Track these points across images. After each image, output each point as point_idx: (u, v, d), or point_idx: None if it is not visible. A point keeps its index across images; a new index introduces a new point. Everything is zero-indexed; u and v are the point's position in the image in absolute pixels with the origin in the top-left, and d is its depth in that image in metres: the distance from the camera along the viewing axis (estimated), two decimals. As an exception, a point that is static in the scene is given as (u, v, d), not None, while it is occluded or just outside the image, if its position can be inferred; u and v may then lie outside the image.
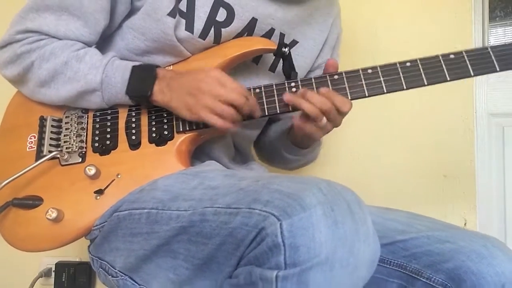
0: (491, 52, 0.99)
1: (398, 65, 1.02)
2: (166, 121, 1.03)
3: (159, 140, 1.01)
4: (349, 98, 1.01)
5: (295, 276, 0.66)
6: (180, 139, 1.02)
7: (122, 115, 1.05)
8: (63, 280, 1.78)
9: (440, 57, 1.01)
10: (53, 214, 0.95)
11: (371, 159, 1.71)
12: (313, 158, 1.31)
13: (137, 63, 1.02)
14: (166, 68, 1.08)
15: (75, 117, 1.07)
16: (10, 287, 1.87)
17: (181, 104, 0.97)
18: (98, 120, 1.06)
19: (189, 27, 1.04)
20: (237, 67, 1.11)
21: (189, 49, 1.07)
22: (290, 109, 1.03)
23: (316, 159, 1.34)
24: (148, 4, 1.01)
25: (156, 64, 1.05)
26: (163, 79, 0.98)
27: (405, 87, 1.00)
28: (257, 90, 1.04)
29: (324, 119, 1.00)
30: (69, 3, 0.99)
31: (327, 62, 1.05)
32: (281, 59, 1.11)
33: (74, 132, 1.04)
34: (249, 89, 1.04)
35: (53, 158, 1.01)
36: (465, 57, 1.00)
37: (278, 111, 1.03)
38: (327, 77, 1.03)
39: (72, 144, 1.03)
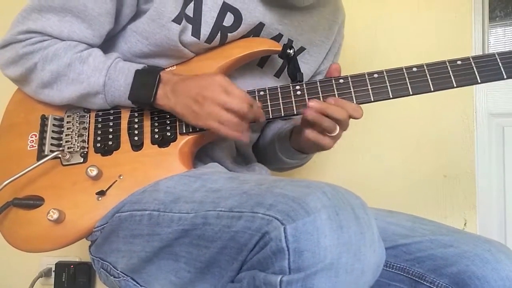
0: (498, 59, 0.98)
1: (404, 70, 1.00)
2: (169, 122, 1.02)
3: (162, 141, 1.01)
4: (355, 102, 1.00)
5: (299, 281, 0.66)
6: (183, 141, 1.01)
7: (125, 115, 1.05)
8: (63, 280, 1.78)
9: (447, 63, 0.99)
10: (54, 215, 0.95)
11: (371, 159, 1.71)
12: (309, 159, 1.31)
13: (140, 66, 1.01)
14: (170, 68, 1.07)
15: (77, 116, 1.06)
16: (10, 287, 1.87)
17: (186, 110, 0.96)
18: (100, 120, 1.05)
19: (196, 33, 1.03)
20: (241, 71, 1.11)
21: (193, 51, 1.06)
22: (295, 112, 1.02)
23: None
24: (153, 9, 1.00)
25: (159, 66, 1.05)
26: (168, 83, 0.98)
27: (411, 93, 0.99)
28: (262, 93, 1.03)
29: (338, 129, 1.00)
30: (73, 5, 0.98)
31: (331, 67, 1.04)
32: (287, 62, 1.10)
33: (76, 132, 1.04)
34: (254, 91, 1.04)
35: (54, 158, 1.01)
36: (472, 63, 0.98)
37: (283, 114, 1.02)
38: (333, 80, 1.02)
39: (73, 144, 1.03)
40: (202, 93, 0.94)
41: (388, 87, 0.99)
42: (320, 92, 1.02)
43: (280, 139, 1.22)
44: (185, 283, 0.86)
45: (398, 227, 1.00)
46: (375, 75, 1.01)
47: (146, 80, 0.98)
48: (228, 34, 1.05)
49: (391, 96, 1.00)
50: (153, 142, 1.01)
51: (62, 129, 1.05)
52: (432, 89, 0.99)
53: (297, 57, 1.09)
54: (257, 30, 1.09)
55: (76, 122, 1.05)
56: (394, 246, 0.97)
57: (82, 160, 1.02)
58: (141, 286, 0.94)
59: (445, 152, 1.65)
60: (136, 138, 1.02)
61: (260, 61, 1.14)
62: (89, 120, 1.06)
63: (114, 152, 1.02)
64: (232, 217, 0.76)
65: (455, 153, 1.64)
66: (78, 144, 1.03)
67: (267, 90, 1.04)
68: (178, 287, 0.87)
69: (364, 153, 1.72)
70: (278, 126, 1.28)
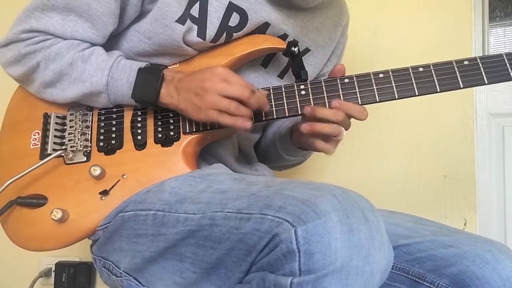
0: (506, 60, 0.97)
1: (410, 70, 0.99)
2: (172, 121, 1.02)
3: (165, 140, 1.00)
4: (360, 102, 0.99)
5: (310, 283, 0.66)
6: (187, 140, 1.01)
7: (128, 114, 1.04)
8: (63, 280, 1.78)
9: (454, 63, 0.98)
10: (58, 215, 0.95)
11: (371, 160, 1.71)
12: (309, 156, 1.31)
13: (142, 65, 1.01)
14: (173, 66, 1.07)
15: (80, 114, 1.06)
16: (10, 287, 1.86)
17: (188, 105, 0.96)
18: (103, 118, 1.05)
19: (201, 34, 1.03)
20: (244, 71, 1.11)
21: (196, 49, 1.06)
22: (299, 112, 1.01)
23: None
24: (156, 9, 1.00)
25: (162, 64, 1.05)
26: (171, 81, 0.97)
27: (417, 93, 0.98)
28: (266, 93, 1.02)
29: (344, 132, 1.00)
30: (76, 5, 0.98)
31: (335, 68, 1.03)
32: (291, 60, 1.10)
33: (79, 130, 1.03)
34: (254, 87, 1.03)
35: (57, 156, 1.01)
36: (480, 64, 0.97)
37: (287, 114, 1.02)
38: (338, 80, 1.01)
39: (76, 143, 1.02)
40: (202, 85, 0.94)
41: (394, 87, 0.99)
42: (325, 92, 1.01)
43: (281, 137, 1.22)
44: (189, 283, 0.86)
45: (399, 228, 1.00)
46: (381, 75, 1.00)
47: (149, 79, 0.98)
48: (234, 33, 1.05)
49: (396, 97, 0.99)
50: (156, 141, 1.01)
51: (65, 127, 1.04)
52: (438, 90, 0.98)
53: (302, 58, 1.09)
54: (262, 29, 1.08)
55: (79, 121, 1.05)
56: (394, 246, 0.96)
57: (85, 159, 1.02)
58: (143, 286, 0.94)
59: (445, 152, 1.65)
60: (139, 137, 1.01)
61: (264, 61, 1.14)
62: (92, 119, 1.05)
63: (117, 151, 1.02)
64: (240, 219, 0.76)
65: (455, 153, 1.64)
66: (81, 143, 1.02)
67: (271, 90, 1.03)
68: (182, 287, 0.87)
69: (364, 154, 1.72)
70: (279, 124, 1.27)
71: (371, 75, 1.00)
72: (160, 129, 1.02)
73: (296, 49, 1.06)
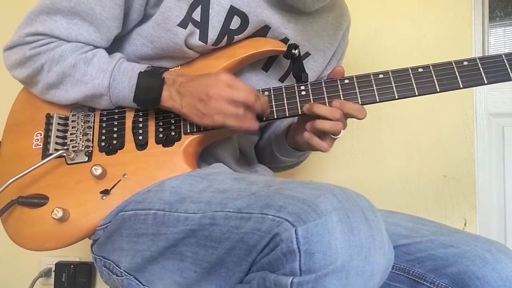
0: (505, 60, 0.97)
1: (410, 70, 0.99)
2: (173, 122, 1.02)
3: (166, 140, 1.01)
4: (360, 103, 1.00)
5: (310, 282, 0.66)
6: (187, 140, 1.01)
7: (129, 115, 1.05)
8: (63, 280, 1.78)
9: (453, 64, 0.99)
10: (58, 214, 0.95)
11: (371, 160, 1.71)
12: (304, 159, 1.31)
13: (143, 68, 1.01)
14: (175, 68, 1.08)
15: (82, 115, 1.06)
16: (10, 287, 1.86)
17: (192, 111, 0.96)
18: (105, 119, 1.05)
19: (203, 37, 1.03)
20: (246, 74, 1.12)
21: (198, 52, 1.07)
22: (300, 112, 1.02)
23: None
24: (159, 14, 1.01)
25: (163, 67, 1.05)
26: (173, 84, 0.98)
27: (417, 94, 0.98)
28: (266, 93, 1.03)
29: (342, 131, 1.00)
30: (81, 9, 0.98)
31: (334, 69, 1.03)
32: (292, 63, 1.10)
33: (81, 131, 1.04)
34: (258, 91, 1.03)
35: (59, 156, 1.01)
36: (479, 64, 0.98)
37: (287, 114, 1.02)
38: (338, 81, 1.02)
39: (78, 143, 1.02)
40: (207, 91, 0.94)
41: (394, 88, 0.99)
42: (325, 93, 1.02)
43: (276, 137, 1.23)
44: (190, 283, 0.86)
45: (399, 228, 1.00)
46: (381, 76, 1.00)
47: (150, 83, 0.98)
48: (235, 36, 1.06)
49: (396, 97, 0.99)
50: (158, 141, 1.01)
51: (67, 128, 1.05)
52: (438, 90, 0.98)
53: (303, 62, 1.09)
54: (263, 33, 1.09)
55: (81, 121, 1.05)
56: (394, 246, 0.96)
57: (86, 159, 1.02)
58: (143, 285, 0.94)
59: (445, 152, 1.65)
60: (140, 137, 1.02)
61: (265, 65, 1.14)
62: (94, 119, 1.06)
63: (118, 151, 1.02)
64: (241, 218, 0.76)
65: (455, 153, 1.64)
66: (83, 143, 1.02)
67: (271, 90, 1.03)
68: (182, 286, 0.87)
69: (364, 154, 1.72)
70: (275, 125, 1.28)
71: (371, 76, 1.01)
72: (161, 129, 1.02)
73: (296, 51, 1.06)
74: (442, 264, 0.91)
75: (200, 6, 1.02)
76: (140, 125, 1.03)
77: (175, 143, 1.01)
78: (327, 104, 1.01)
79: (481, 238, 0.94)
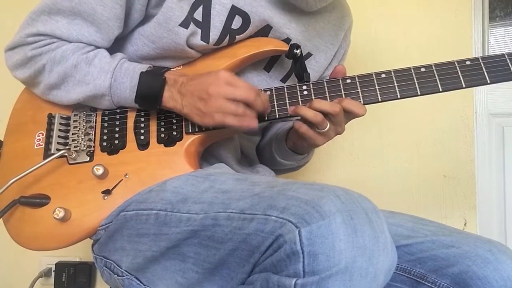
0: (508, 60, 0.97)
1: (412, 70, 0.99)
2: (175, 121, 1.02)
3: (168, 140, 1.01)
4: (362, 102, 0.99)
5: (314, 284, 0.66)
6: (189, 140, 1.01)
7: (131, 115, 1.05)
8: (63, 280, 1.78)
9: (456, 63, 0.98)
10: (60, 214, 0.95)
11: (371, 160, 1.71)
12: (304, 164, 1.30)
13: (145, 68, 1.00)
14: (176, 68, 1.08)
15: (84, 115, 1.06)
16: (10, 287, 1.86)
17: (193, 110, 0.96)
18: (107, 119, 1.05)
19: (205, 37, 1.03)
20: (247, 75, 1.12)
21: (199, 51, 1.07)
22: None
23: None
24: (160, 14, 1.00)
25: (165, 67, 1.05)
26: (174, 85, 0.98)
27: (419, 93, 0.98)
28: (268, 93, 1.03)
29: (327, 124, 0.99)
30: (82, 9, 0.98)
31: (335, 69, 1.03)
32: (294, 62, 1.09)
33: (83, 131, 1.04)
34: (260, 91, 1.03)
35: (61, 156, 1.01)
36: (482, 64, 0.97)
37: (289, 114, 1.02)
38: (340, 80, 1.01)
39: (80, 143, 1.02)
40: (207, 89, 0.94)
41: (396, 87, 0.98)
42: (327, 92, 1.01)
43: (277, 139, 1.23)
44: (192, 283, 0.86)
45: (400, 228, 1.00)
46: (383, 75, 1.00)
47: (152, 83, 0.98)
48: (236, 36, 1.06)
49: (398, 97, 0.99)
50: (159, 141, 1.01)
51: (69, 128, 1.05)
52: (440, 90, 0.98)
53: (305, 62, 1.08)
54: (264, 32, 1.09)
55: (83, 121, 1.05)
56: (396, 247, 0.97)
57: (88, 159, 1.02)
58: (145, 285, 0.94)
59: (445, 152, 1.66)
60: (142, 137, 1.02)
61: (267, 65, 1.14)
62: (96, 119, 1.06)
63: (120, 151, 1.02)
64: (243, 219, 0.76)
65: (455, 153, 1.65)
66: (85, 143, 1.02)
67: (273, 90, 1.03)
68: (184, 287, 0.87)
69: (364, 154, 1.72)
70: (278, 126, 1.28)
71: (373, 75, 1.00)
72: (163, 129, 1.02)
73: (298, 51, 1.06)
74: (443, 264, 0.91)
75: (201, 6, 1.02)
76: (142, 125, 1.03)
77: (177, 143, 1.01)
78: None
79: (482, 238, 0.95)
